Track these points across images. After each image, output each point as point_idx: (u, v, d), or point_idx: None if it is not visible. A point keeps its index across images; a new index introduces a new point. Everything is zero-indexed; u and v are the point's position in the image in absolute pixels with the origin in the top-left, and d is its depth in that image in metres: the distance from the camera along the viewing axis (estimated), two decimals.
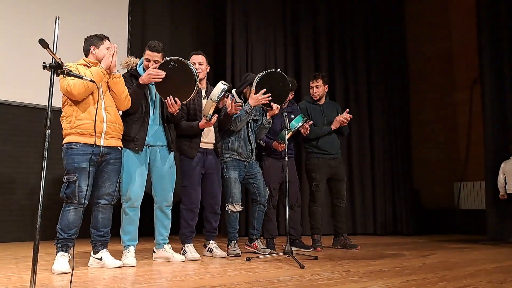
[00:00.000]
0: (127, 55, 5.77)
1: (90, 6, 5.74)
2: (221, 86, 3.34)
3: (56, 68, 1.87)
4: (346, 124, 4.43)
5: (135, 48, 5.88)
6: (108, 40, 3.10)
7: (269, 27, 6.50)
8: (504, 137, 5.59)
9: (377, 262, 3.36)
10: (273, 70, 3.82)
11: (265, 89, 3.59)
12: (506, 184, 5.27)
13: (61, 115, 2.97)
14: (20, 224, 4.95)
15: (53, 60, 1.92)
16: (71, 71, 2.07)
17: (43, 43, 1.72)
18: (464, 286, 2.35)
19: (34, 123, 5.10)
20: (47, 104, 1.85)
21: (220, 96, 3.30)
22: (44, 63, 1.92)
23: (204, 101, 3.56)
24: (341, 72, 6.88)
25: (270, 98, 3.60)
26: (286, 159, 3.56)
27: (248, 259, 3.38)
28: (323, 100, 4.56)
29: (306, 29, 6.76)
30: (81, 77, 2.16)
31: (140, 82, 3.14)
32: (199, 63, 3.59)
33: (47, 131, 1.80)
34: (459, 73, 7.50)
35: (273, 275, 2.71)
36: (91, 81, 2.41)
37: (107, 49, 3.02)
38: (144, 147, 3.23)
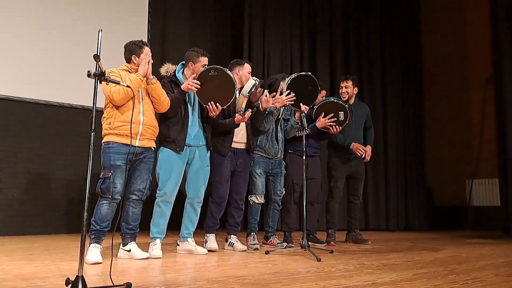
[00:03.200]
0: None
1: (111, 8, 5.97)
2: (252, 81, 3.61)
3: (100, 76, 2.07)
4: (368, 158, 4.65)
5: (155, 48, 6.10)
6: (147, 46, 3.29)
7: (285, 25, 6.67)
8: None
9: (390, 256, 3.53)
10: (304, 73, 4.05)
11: (289, 90, 3.80)
12: None
13: (102, 115, 3.19)
14: (45, 217, 5.21)
15: (97, 68, 2.12)
16: (110, 77, 2.27)
17: (96, 57, 1.92)
18: (472, 279, 2.51)
19: (60, 122, 5.36)
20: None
21: (252, 91, 3.56)
22: (89, 71, 2.11)
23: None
24: (356, 70, 7.02)
25: (294, 99, 3.80)
26: (304, 157, 3.72)
27: (267, 252, 3.58)
28: (351, 101, 4.71)
29: (322, 26, 6.91)
30: (118, 83, 2.35)
31: (183, 89, 3.37)
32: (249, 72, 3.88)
33: (92, 133, 2.00)
34: (474, 72, 7.59)
35: (292, 267, 2.91)
36: (127, 86, 2.60)
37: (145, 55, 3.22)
38: (185, 147, 3.46)
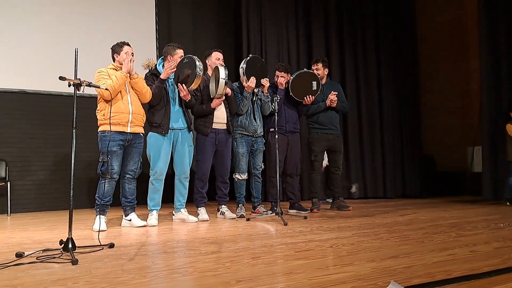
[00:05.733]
0: (156, 53, 6.71)
1: (121, 10, 6.59)
2: (223, 68, 4.17)
3: (77, 85, 2.66)
4: (335, 104, 5.01)
5: (163, 46, 6.72)
6: (127, 45, 3.87)
7: (280, 11, 7.03)
8: (499, 105, 5.93)
9: (353, 220, 4.04)
10: (248, 56, 4.59)
11: (252, 77, 4.38)
12: None
13: (97, 108, 3.81)
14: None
15: (75, 78, 2.71)
16: (91, 83, 2.86)
17: (61, 79, 2.50)
18: (399, 236, 2.98)
19: (80, 110, 6.06)
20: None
21: (226, 77, 4.11)
22: (68, 82, 2.68)
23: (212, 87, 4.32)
24: (350, 44, 7.34)
25: (255, 80, 4.38)
26: (276, 136, 4.29)
27: (248, 219, 4.18)
28: (323, 81, 5.15)
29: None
30: (98, 86, 2.94)
31: (162, 77, 3.96)
32: (217, 59, 4.42)
33: (74, 130, 2.61)
34: (473, 41, 7.70)
35: (257, 230, 3.48)
36: (106, 89, 3.21)
37: (126, 54, 3.80)
38: (169, 130, 4.06)
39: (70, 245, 2.47)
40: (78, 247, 2.65)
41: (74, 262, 2.24)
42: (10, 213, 5.51)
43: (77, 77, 2.66)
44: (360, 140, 7.19)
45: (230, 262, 2.23)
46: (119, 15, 6.60)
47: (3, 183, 5.51)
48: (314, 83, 4.74)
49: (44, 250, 2.56)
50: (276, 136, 4.34)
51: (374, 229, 3.40)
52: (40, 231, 3.75)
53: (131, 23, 6.65)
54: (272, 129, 4.72)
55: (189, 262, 2.26)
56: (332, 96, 4.97)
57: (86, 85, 2.79)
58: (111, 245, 2.76)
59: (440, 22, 8.10)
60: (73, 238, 2.53)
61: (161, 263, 2.24)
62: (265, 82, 4.51)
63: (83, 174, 6.10)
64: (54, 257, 2.40)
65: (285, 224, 3.72)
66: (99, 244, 2.76)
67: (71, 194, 2.60)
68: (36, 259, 2.38)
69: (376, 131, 7.27)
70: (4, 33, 5.88)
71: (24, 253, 2.48)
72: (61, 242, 2.57)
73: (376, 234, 3.13)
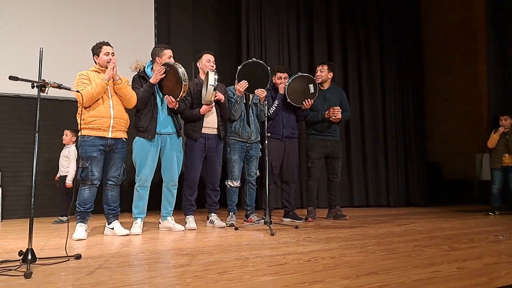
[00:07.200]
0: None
1: (119, 14, 6.53)
2: (212, 73, 3.97)
3: (41, 86, 2.53)
4: (337, 120, 4.76)
5: (162, 39, 6.64)
6: (106, 44, 3.71)
7: (281, 14, 6.88)
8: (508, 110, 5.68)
9: (345, 230, 3.84)
10: (250, 60, 4.42)
11: (243, 80, 4.20)
12: None
13: (77, 112, 3.69)
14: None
15: (39, 79, 2.58)
16: (61, 84, 2.72)
17: (13, 78, 2.37)
18: (387, 249, 2.78)
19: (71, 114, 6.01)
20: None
21: (215, 83, 3.92)
22: (32, 83, 2.55)
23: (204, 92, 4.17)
24: (354, 48, 7.15)
25: (247, 85, 4.20)
26: (266, 142, 4.11)
27: (236, 229, 4.01)
28: (326, 86, 4.95)
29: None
30: (69, 88, 2.80)
31: (151, 82, 3.82)
32: (207, 61, 4.26)
33: (37, 134, 2.48)
34: (482, 45, 7.44)
35: (242, 240, 3.31)
36: (77, 91, 3.09)
37: (105, 54, 3.66)
38: (156, 135, 3.91)
39: (29, 257, 2.33)
40: (43, 258, 2.52)
41: (27, 275, 2.10)
42: (2, 219, 5.43)
43: (41, 78, 2.53)
44: (363, 146, 6.97)
45: (193, 277, 2.06)
46: (117, 19, 6.52)
47: None
48: (311, 86, 4.53)
49: (2, 261, 2.43)
50: (266, 142, 4.14)
51: (364, 240, 3.20)
52: (19, 239, 3.62)
53: (130, 27, 6.56)
54: (269, 134, 4.57)
55: (149, 277, 2.10)
56: (337, 113, 4.70)
57: (56, 87, 2.66)
58: (78, 257, 2.61)
59: (447, 24, 7.86)
60: (34, 249, 2.39)
61: (119, 278, 2.08)
62: (261, 93, 4.31)
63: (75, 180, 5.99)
64: (10, 269, 2.26)
65: (272, 234, 3.55)
66: (66, 255, 2.62)
67: (32, 201, 2.47)
68: None
69: (379, 137, 7.04)
70: None
71: None
72: (20, 253, 2.43)
73: (363, 246, 2.93)
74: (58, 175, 5.37)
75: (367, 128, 7.02)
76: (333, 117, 4.70)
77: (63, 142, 5.30)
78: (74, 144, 5.23)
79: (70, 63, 5.77)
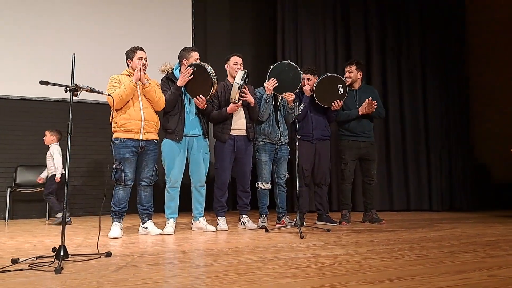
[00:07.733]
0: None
1: (158, 18, 6.72)
2: (241, 72, 4.02)
3: (73, 90, 2.64)
4: (371, 111, 4.68)
5: (199, 44, 6.79)
6: (140, 50, 3.84)
7: (318, 14, 6.81)
8: None
9: (378, 235, 3.73)
10: (283, 61, 4.39)
11: (273, 78, 4.18)
12: None
13: (110, 116, 3.83)
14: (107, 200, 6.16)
15: (71, 83, 2.70)
16: (94, 88, 2.83)
17: (43, 83, 2.48)
18: (418, 254, 2.68)
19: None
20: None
21: (242, 81, 3.95)
22: (65, 88, 2.66)
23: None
24: (393, 43, 6.98)
25: (277, 84, 4.18)
26: (297, 143, 4.06)
27: (267, 231, 4.00)
28: (356, 85, 4.87)
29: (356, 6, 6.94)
30: (100, 92, 2.91)
31: (178, 84, 3.90)
32: (235, 63, 4.27)
33: (69, 136, 2.58)
34: None
35: (270, 242, 3.29)
36: (109, 95, 3.20)
37: (138, 59, 3.77)
38: (184, 137, 3.99)
39: (62, 253, 2.44)
40: (75, 255, 2.63)
41: (57, 271, 2.19)
42: (48, 217, 5.72)
43: (74, 83, 2.64)
44: (404, 148, 6.75)
45: (212, 277, 2.08)
46: (155, 23, 6.73)
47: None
48: (340, 86, 4.46)
49: (38, 257, 2.55)
50: (297, 144, 4.10)
51: (395, 245, 3.10)
52: (57, 236, 3.79)
53: (168, 32, 6.75)
54: (299, 136, 4.53)
55: (170, 276, 2.14)
56: (369, 100, 4.62)
57: (88, 91, 2.77)
58: (108, 254, 2.70)
59: (493, 14, 7.47)
60: (70, 246, 2.50)
61: (142, 276, 2.13)
62: (288, 96, 4.28)
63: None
64: (44, 265, 2.37)
65: (302, 237, 3.51)
66: (97, 252, 2.72)
67: (65, 200, 2.57)
68: (28, 266, 2.36)
69: (421, 138, 6.80)
70: (16, 37, 6.17)
71: (19, 259, 2.49)
72: (53, 249, 2.55)
73: (394, 251, 2.84)
74: (45, 175, 5.42)
75: (407, 128, 6.79)
76: (368, 109, 4.62)
77: (45, 143, 5.36)
78: (57, 143, 5.31)
79: (103, 68, 6.04)
